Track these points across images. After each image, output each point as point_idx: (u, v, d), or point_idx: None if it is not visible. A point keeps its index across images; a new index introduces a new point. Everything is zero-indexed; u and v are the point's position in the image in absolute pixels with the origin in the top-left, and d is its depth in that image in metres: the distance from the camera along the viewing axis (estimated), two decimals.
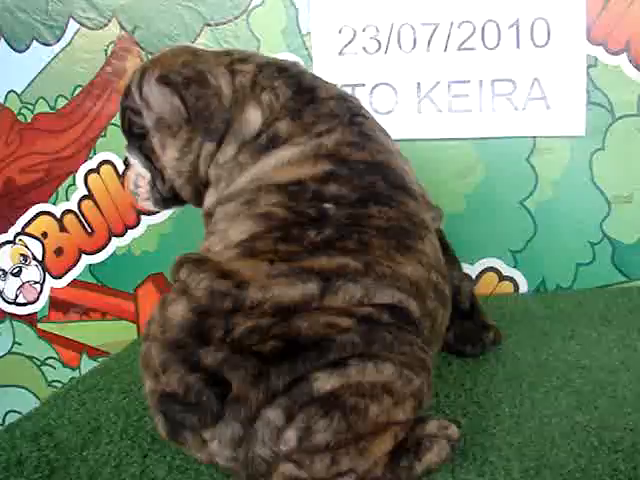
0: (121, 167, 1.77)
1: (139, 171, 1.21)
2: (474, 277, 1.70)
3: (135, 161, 1.20)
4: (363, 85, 1.65)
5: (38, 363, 1.89)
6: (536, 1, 1.60)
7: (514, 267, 1.68)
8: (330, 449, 0.75)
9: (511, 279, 1.71)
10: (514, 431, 0.94)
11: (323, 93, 1.10)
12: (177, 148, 1.12)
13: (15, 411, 1.86)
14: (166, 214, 1.76)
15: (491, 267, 1.69)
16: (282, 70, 1.12)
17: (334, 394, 0.75)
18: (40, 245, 1.84)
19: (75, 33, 1.74)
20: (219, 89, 1.09)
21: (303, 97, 1.08)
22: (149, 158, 1.17)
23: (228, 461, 0.77)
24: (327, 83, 1.14)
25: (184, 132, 1.11)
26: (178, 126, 1.11)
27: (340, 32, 1.65)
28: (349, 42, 1.65)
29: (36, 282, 1.86)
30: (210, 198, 1.12)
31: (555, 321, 1.42)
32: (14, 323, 1.88)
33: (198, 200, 1.18)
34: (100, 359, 1.80)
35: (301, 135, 1.04)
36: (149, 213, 1.75)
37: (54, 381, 1.89)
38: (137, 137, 1.16)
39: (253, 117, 1.08)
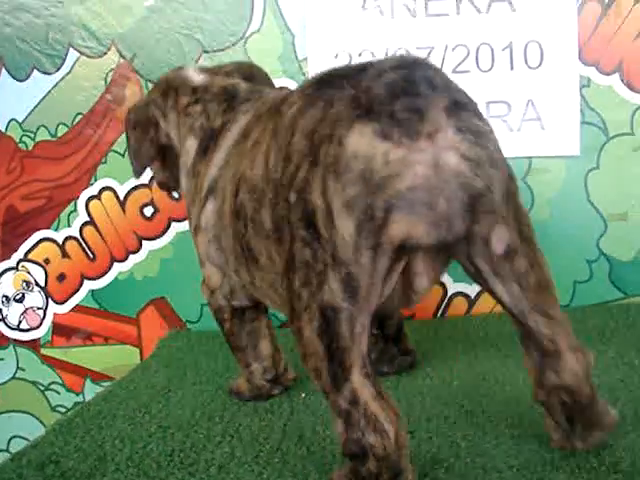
0: (122, 193, 1.79)
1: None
2: (472, 297, 1.72)
3: None
4: None
5: (42, 388, 1.90)
6: (529, 24, 1.62)
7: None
8: None
9: None
10: (514, 452, 0.94)
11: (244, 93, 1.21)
12: None
13: (19, 436, 1.88)
14: (167, 239, 1.78)
15: None
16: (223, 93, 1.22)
17: None
18: (43, 271, 1.86)
19: (75, 62, 1.77)
20: (160, 134, 1.28)
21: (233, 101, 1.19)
22: None
23: None
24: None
25: None
26: None
27: (336, 57, 1.67)
28: None
29: (39, 308, 1.87)
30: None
31: None
32: (17, 349, 1.90)
33: None
34: (104, 383, 1.81)
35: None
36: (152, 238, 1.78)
37: (58, 406, 1.90)
38: None
39: (189, 144, 1.22)
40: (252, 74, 1.30)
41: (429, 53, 1.64)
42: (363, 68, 0.78)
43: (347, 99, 0.76)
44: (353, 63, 0.85)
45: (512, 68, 1.63)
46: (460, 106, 0.75)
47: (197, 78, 1.24)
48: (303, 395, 1.24)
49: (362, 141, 0.72)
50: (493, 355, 1.38)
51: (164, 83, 1.28)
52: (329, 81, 0.82)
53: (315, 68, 1.67)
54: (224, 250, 1.11)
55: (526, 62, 1.63)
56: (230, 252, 1.08)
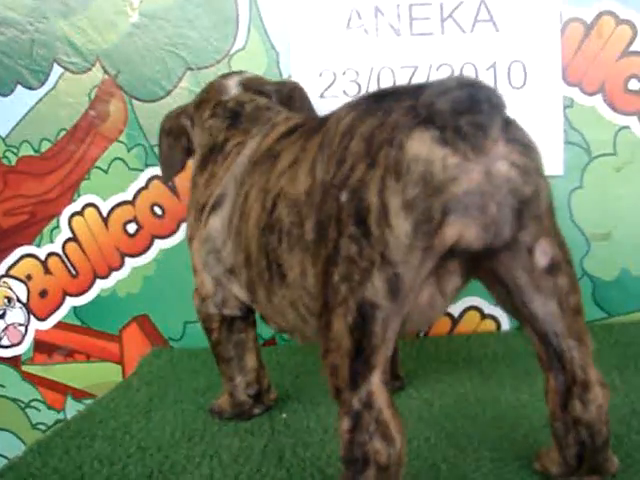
0: (105, 209, 1.78)
1: None
2: (456, 316, 1.72)
3: None
4: None
5: (22, 405, 1.88)
6: (512, 44, 1.63)
7: (496, 305, 1.69)
8: None
9: (493, 317, 1.72)
10: (493, 476, 0.94)
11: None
12: None
13: None
14: (150, 256, 1.77)
15: (473, 306, 1.71)
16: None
17: None
18: (24, 287, 1.84)
19: (59, 77, 1.76)
20: (190, 143, 1.35)
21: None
22: None
23: None
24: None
25: None
26: None
27: (321, 75, 1.67)
28: (330, 85, 1.67)
29: (20, 324, 1.86)
30: None
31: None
32: None
33: None
34: (85, 401, 1.80)
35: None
36: (135, 255, 1.77)
37: (39, 423, 1.88)
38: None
39: (195, 157, 1.33)
40: (291, 97, 1.34)
41: (413, 72, 1.65)
42: (422, 86, 0.80)
43: (406, 108, 0.78)
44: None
45: (496, 88, 1.63)
46: (510, 122, 0.79)
47: (231, 91, 1.30)
48: (284, 416, 1.24)
49: (422, 146, 0.75)
50: (475, 375, 1.37)
51: (203, 92, 1.35)
52: (386, 95, 0.85)
53: None
54: (226, 262, 1.16)
55: (510, 82, 1.64)
56: (244, 266, 1.09)
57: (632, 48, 1.62)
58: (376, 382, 0.79)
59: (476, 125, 0.74)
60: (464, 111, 0.74)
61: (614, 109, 1.65)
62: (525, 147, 0.79)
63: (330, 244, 0.82)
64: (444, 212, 0.74)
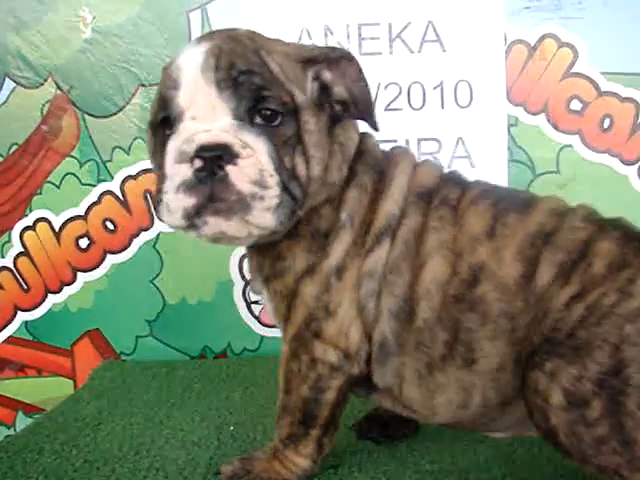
0: (57, 224, 1.78)
1: (266, 166, 0.92)
2: None
3: (263, 148, 0.92)
4: None
5: None
6: (459, 64, 1.67)
7: None
8: None
9: None
10: None
11: None
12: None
13: None
14: (102, 271, 1.78)
15: None
16: None
17: None
18: None
19: (11, 92, 1.76)
20: None
21: None
22: (277, 150, 0.94)
23: None
24: None
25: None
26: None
27: None
28: None
29: None
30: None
31: None
32: None
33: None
34: (36, 416, 1.79)
35: None
36: (87, 269, 1.77)
37: None
38: (266, 119, 0.94)
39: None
40: None
41: None
42: None
43: None
44: None
45: (443, 107, 1.68)
46: None
47: None
48: (232, 428, 1.25)
49: None
50: None
51: None
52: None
53: None
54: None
55: (456, 101, 1.68)
56: (395, 319, 0.97)
57: (574, 70, 1.68)
58: None
59: None
60: None
61: (557, 128, 1.70)
62: None
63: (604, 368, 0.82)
64: None
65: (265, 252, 1.03)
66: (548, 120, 1.70)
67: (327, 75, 0.99)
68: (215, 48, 0.94)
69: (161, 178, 0.94)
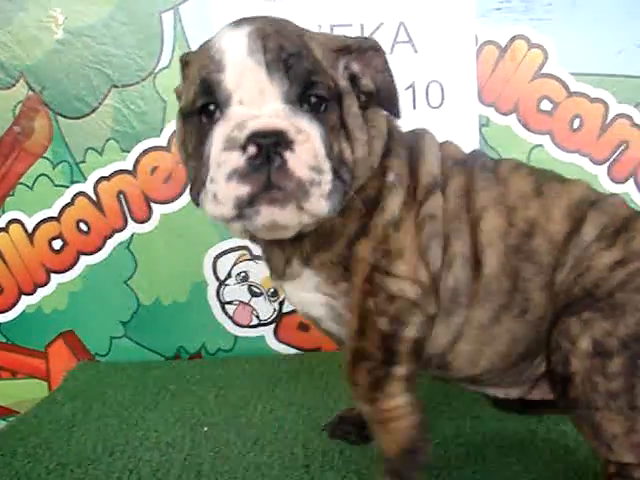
0: (30, 226, 1.77)
1: (320, 152, 0.89)
2: None
3: (317, 134, 0.90)
4: None
5: None
6: (430, 65, 1.69)
7: None
8: None
9: None
10: None
11: None
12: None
13: None
14: (76, 272, 1.78)
15: None
16: None
17: None
18: None
19: None
20: None
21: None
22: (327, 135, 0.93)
23: None
24: None
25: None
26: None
27: None
28: None
29: None
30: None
31: None
32: None
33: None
34: (10, 418, 1.78)
35: None
36: (60, 271, 1.77)
37: None
38: (313, 104, 0.92)
39: None
40: None
41: None
42: None
43: None
44: None
45: (414, 107, 1.69)
46: None
47: None
48: (205, 429, 1.25)
49: None
50: None
51: None
52: None
53: None
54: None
55: (428, 101, 1.69)
56: (461, 266, 0.98)
57: (544, 70, 1.70)
58: None
59: None
60: None
61: (528, 128, 1.72)
62: None
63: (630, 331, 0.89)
64: None
65: (303, 234, 0.98)
66: (519, 120, 1.71)
67: (356, 66, 0.99)
68: (260, 30, 0.91)
69: (198, 168, 0.92)
